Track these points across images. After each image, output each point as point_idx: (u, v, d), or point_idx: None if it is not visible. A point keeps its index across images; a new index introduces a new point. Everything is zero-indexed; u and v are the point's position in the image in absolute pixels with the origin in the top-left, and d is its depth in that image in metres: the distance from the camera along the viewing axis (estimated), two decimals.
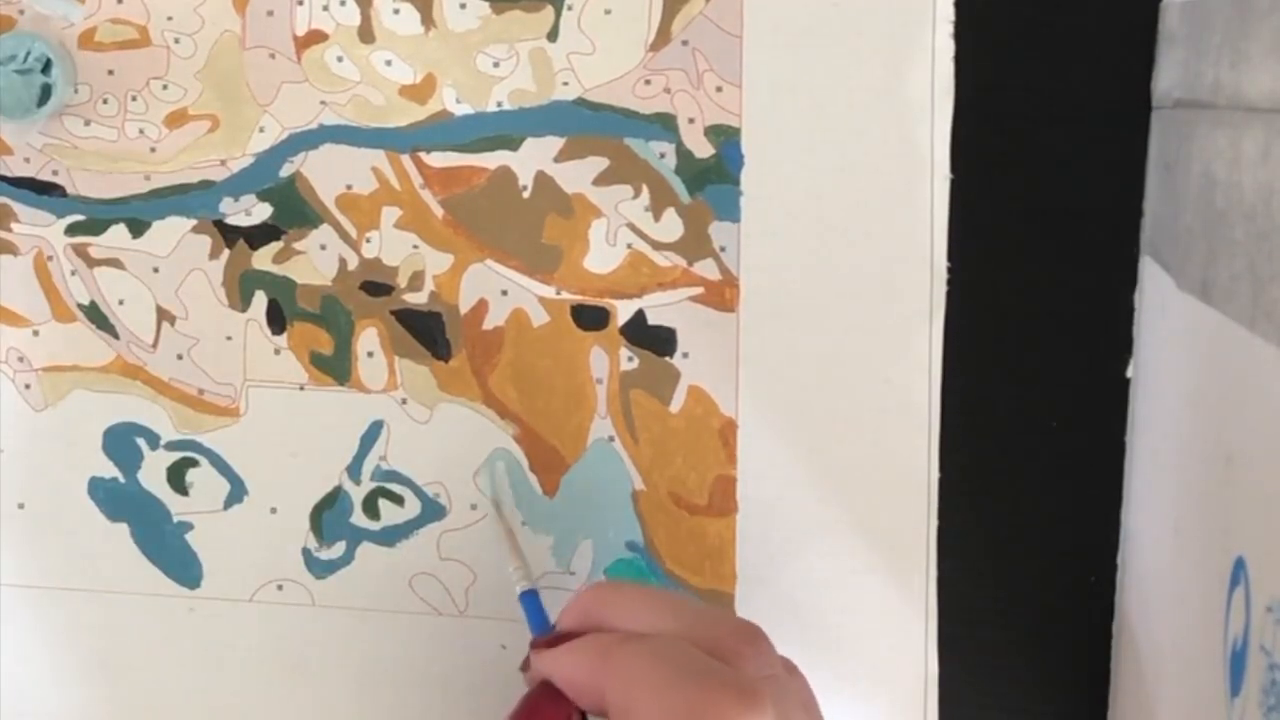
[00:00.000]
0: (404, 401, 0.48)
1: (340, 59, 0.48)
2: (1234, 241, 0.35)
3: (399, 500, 0.48)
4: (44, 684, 0.50)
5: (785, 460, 0.47)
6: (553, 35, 0.47)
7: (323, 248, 0.48)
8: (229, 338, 0.49)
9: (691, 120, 0.46)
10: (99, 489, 0.50)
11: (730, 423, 0.47)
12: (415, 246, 0.48)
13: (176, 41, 0.48)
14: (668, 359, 0.47)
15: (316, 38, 0.48)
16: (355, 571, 0.49)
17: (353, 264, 0.48)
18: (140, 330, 0.49)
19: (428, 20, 0.47)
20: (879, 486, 0.46)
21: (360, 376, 0.48)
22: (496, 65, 0.47)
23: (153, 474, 0.49)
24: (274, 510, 0.49)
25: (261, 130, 0.48)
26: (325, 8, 0.48)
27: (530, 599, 0.44)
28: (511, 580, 0.45)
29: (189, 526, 0.50)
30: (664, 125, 0.47)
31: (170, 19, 0.48)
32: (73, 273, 0.49)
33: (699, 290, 0.47)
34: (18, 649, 0.50)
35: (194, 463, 0.49)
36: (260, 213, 0.49)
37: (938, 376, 0.46)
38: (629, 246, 0.47)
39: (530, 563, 0.46)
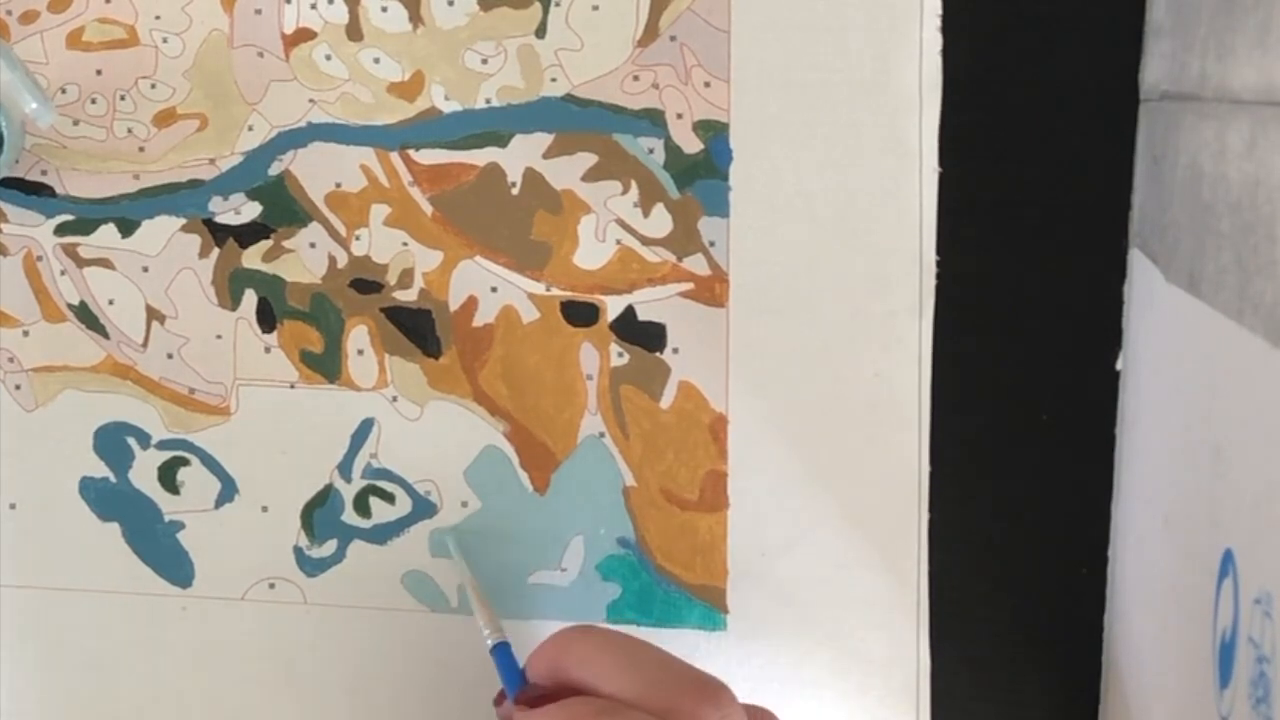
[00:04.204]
0: (394, 399, 0.48)
1: (328, 57, 0.48)
2: (1220, 234, 0.35)
3: (390, 498, 0.48)
4: (36, 684, 0.50)
5: (776, 455, 0.47)
6: (541, 32, 0.47)
7: (312, 246, 0.48)
8: (219, 336, 0.49)
9: (680, 115, 0.46)
10: (90, 489, 0.50)
11: (721, 418, 0.47)
12: (405, 244, 0.48)
13: (164, 41, 0.48)
14: (658, 355, 0.47)
15: (305, 36, 0.48)
16: (347, 569, 0.49)
17: (342, 262, 0.48)
18: (130, 330, 0.49)
19: (416, 18, 0.47)
20: (870, 480, 0.46)
21: (350, 374, 0.48)
22: (485, 62, 0.47)
23: (144, 473, 0.49)
24: (265, 509, 0.49)
25: (250, 129, 0.48)
26: (313, 6, 0.48)
27: (502, 651, 0.44)
28: (482, 636, 0.45)
29: (180, 525, 0.50)
30: (652, 121, 0.47)
31: (158, 18, 0.48)
32: (62, 273, 0.49)
33: (688, 285, 0.47)
34: (10, 649, 0.50)
35: (185, 462, 0.49)
36: (249, 211, 0.49)
37: (928, 370, 0.46)
38: (618, 242, 0.47)
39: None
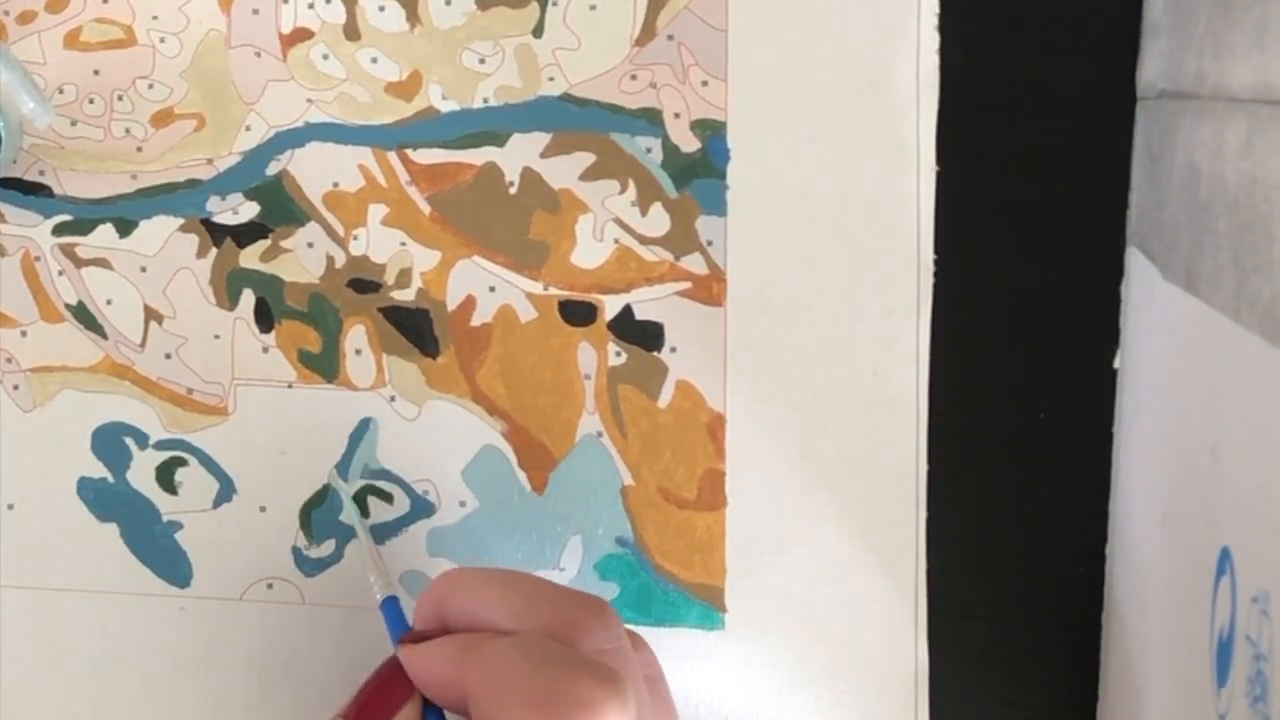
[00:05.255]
0: (392, 399, 0.48)
1: (326, 56, 0.48)
2: (1217, 232, 0.35)
3: (388, 498, 0.48)
4: (34, 684, 0.50)
5: (774, 454, 0.47)
6: (538, 31, 0.47)
7: (310, 245, 0.48)
8: (217, 336, 0.49)
9: (677, 115, 0.46)
10: (88, 489, 0.50)
11: (719, 417, 0.47)
12: (402, 243, 0.48)
13: (162, 41, 0.48)
14: (655, 354, 0.47)
15: (302, 35, 0.48)
16: (345, 569, 0.49)
17: (340, 261, 0.48)
18: (128, 330, 0.49)
19: (413, 17, 0.47)
20: (867, 479, 0.46)
21: (348, 374, 0.48)
22: (482, 61, 0.47)
23: (142, 473, 0.49)
24: (263, 509, 0.49)
25: (248, 129, 0.48)
26: (310, 5, 0.48)
27: (391, 606, 0.44)
28: (373, 590, 0.45)
29: (178, 526, 0.50)
30: (650, 120, 0.47)
31: (156, 18, 0.48)
32: (60, 273, 0.49)
33: (686, 285, 0.47)
34: (7, 650, 0.50)
35: (183, 462, 0.49)
36: (247, 211, 0.49)
37: (925, 369, 0.46)
38: (616, 242, 0.47)
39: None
